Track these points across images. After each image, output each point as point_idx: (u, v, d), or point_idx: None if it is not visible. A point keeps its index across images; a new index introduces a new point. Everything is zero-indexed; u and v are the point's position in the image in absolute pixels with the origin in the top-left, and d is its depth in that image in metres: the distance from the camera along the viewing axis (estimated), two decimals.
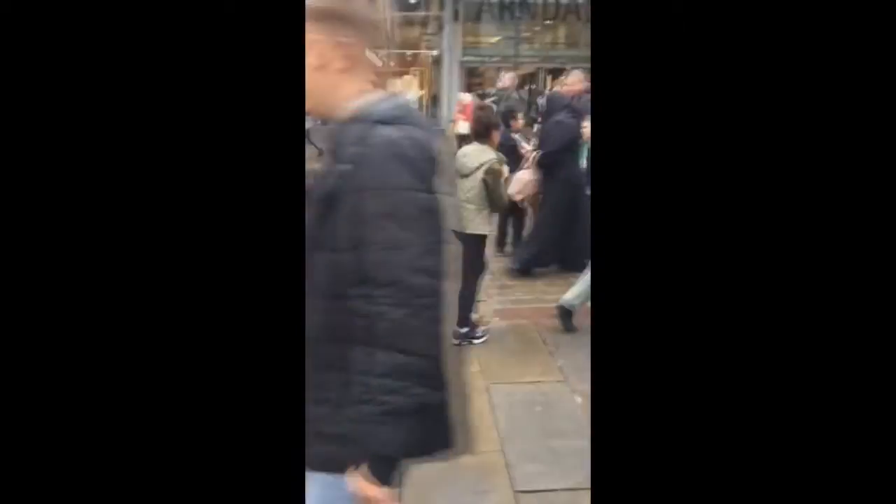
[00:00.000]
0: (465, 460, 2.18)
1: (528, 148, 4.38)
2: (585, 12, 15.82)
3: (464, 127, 5.30)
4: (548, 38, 17.54)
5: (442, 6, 16.21)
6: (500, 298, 3.88)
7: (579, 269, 3.83)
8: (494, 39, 17.23)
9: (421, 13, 17.64)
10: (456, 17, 16.17)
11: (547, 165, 3.65)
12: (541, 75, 17.74)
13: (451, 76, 16.26)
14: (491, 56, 17.18)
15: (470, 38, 17.01)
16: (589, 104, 4.10)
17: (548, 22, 16.92)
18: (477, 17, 16.55)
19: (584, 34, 16.26)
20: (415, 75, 17.86)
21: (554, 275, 4.31)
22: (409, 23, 17.85)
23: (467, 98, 7.80)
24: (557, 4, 16.34)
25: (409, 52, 17.93)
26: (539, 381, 2.82)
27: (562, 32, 17.51)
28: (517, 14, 15.75)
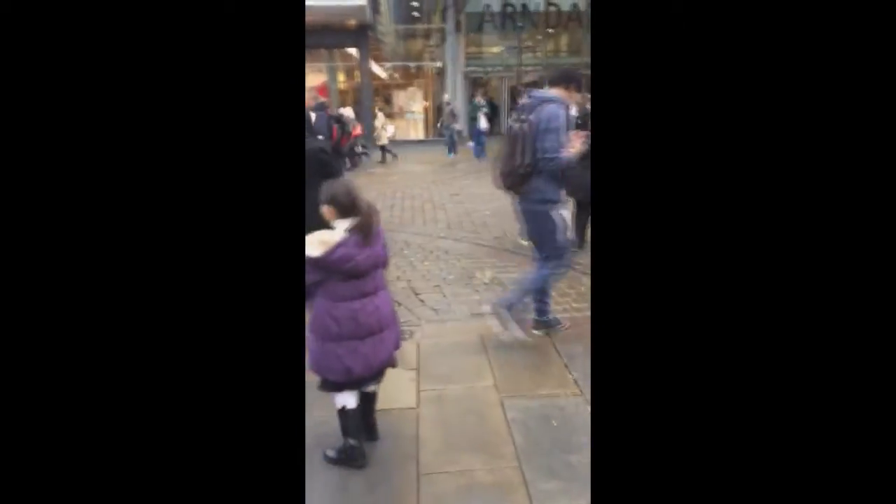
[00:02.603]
0: (483, 477, 2.15)
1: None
2: (587, 19, 15.86)
3: None
4: (550, 46, 17.60)
5: (444, 18, 16.30)
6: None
7: None
8: (497, 49, 17.31)
9: (423, 25, 17.76)
10: (458, 28, 16.26)
11: None
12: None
13: (454, 86, 16.32)
14: (494, 66, 17.24)
15: (473, 49, 17.11)
16: None
17: (550, 30, 16.98)
18: (479, 28, 16.63)
19: (587, 41, 16.30)
20: (419, 87, 17.94)
21: (565, 285, 4.27)
22: (411, 35, 17.97)
23: None
24: (559, 12, 16.39)
25: (412, 65, 18.02)
26: (555, 395, 2.77)
27: (564, 40, 17.56)
28: (519, 23, 15.81)
